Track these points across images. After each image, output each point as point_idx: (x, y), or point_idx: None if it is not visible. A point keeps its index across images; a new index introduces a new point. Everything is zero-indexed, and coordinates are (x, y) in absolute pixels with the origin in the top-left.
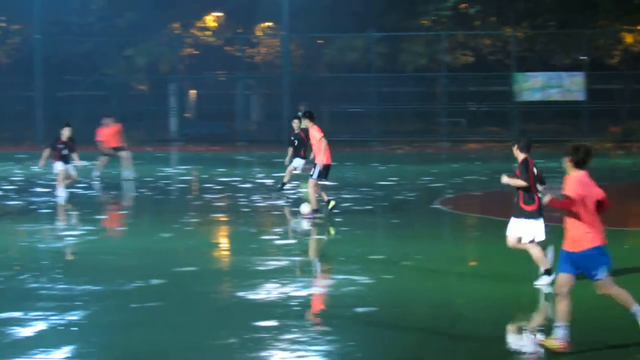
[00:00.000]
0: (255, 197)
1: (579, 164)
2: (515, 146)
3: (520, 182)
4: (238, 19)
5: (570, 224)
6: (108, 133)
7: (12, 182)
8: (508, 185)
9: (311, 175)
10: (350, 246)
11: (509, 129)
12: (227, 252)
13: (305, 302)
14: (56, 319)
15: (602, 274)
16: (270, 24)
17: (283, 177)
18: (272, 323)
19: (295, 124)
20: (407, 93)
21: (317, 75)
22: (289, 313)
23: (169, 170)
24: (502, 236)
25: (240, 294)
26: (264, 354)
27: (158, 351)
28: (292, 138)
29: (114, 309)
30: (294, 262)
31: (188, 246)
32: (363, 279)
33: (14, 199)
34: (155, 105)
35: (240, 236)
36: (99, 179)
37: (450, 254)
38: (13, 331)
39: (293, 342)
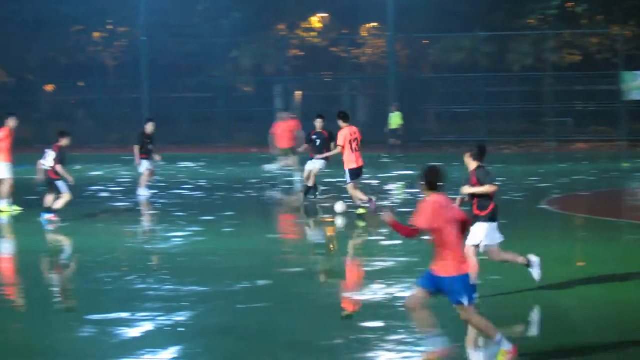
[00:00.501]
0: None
1: (433, 187)
2: (468, 154)
3: (492, 188)
4: (343, 20)
5: (438, 248)
6: (284, 128)
7: (119, 184)
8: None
9: (346, 182)
10: None
11: (617, 128)
12: (332, 253)
13: None
14: (163, 320)
15: (466, 302)
16: (375, 24)
17: (306, 183)
18: (378, 324)
19: (318, 122)
20: (513, 93)
21: (422, 76)
22: (395, 314)
23: (276, 172)
24: (611, 237)
25: (345, 294)
26: (369, 354)
27: (264, 352)
28: (314, 137)
29: (221, 310)
30: (399, 262)
31: (294, 247)
32: None
33: (121, 201)
34: (261, 107)
35: (346, 237)
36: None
37: (558, 254)
38: (121, 332)
39: (399, 343)
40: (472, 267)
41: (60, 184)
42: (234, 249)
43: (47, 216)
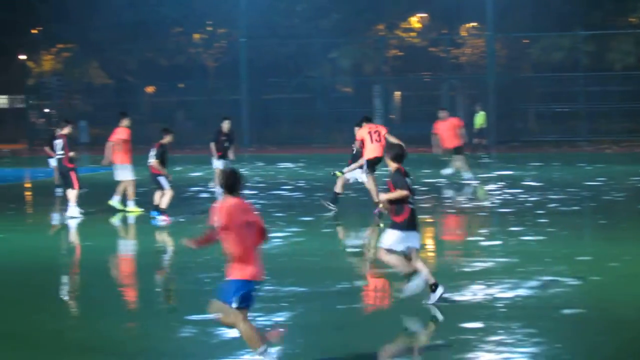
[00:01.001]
0: (460, 199)
1: (230, 190)
2: (387, 155)
3: (403, 193)
4: (442, 20)
5: (229, 250)
6: (444, 128)
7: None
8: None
9: (363, 172)
10: (557, 247)
11: None
12: (432, 254)
13: (511, 304)
14: (262, 320)
15: (234, 304)
16: (474, 24)
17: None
18: (478, 324)
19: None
20: (615, 92)
21: (522, 75)
22: (495, 314)
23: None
24: None
25: (446, 295)
26: (469, 355)
27: (363, 352)
28: (353, 145)
29: (320, 310)
30: (499, 263)
31: None
32: (570, 281)
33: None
34: (360, 107)
35: (446, 237)
36: (470, 180)
37: None
38: (221, 332)
39: (499, 343)
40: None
41: (161, 179)
42: (333, 249)
43: (160, 217)
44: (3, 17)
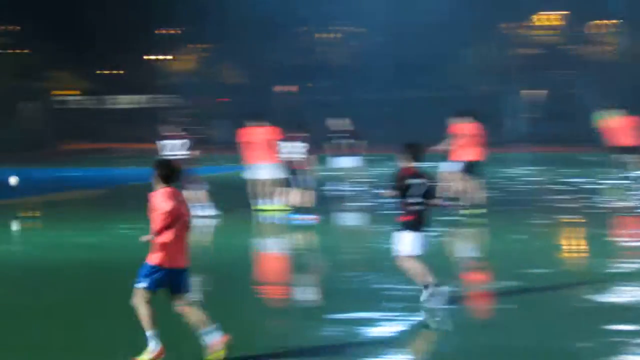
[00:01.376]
0: (605, 198)
1: (166, 180)
2: (402, 153)
3: (390, 193)
4: (578, 16)
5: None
6: (615, 125)
7: (361, 183)
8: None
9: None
10: None
11: None
12: (577, 254)
13: None
14: (404, 320)
15: (138, 285)
16: (612, 21)
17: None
18: (625, 327)
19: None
20: None
21: None
22: None
23: (514, 172)
24: None
25: (591, 296)
26: (616, 358)
27: (505, 354)
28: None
29: (463, 311)
30: None
31: (538, 248)
32: None
33: (362, 200)
34: (493, 106)
35: (591, 238)
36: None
37: None
38: (362, 331)
39: None
40: (413, 273)
41: (307, 177)
42: (477, 249)
43: (307, 217)
44: (137, 17)
